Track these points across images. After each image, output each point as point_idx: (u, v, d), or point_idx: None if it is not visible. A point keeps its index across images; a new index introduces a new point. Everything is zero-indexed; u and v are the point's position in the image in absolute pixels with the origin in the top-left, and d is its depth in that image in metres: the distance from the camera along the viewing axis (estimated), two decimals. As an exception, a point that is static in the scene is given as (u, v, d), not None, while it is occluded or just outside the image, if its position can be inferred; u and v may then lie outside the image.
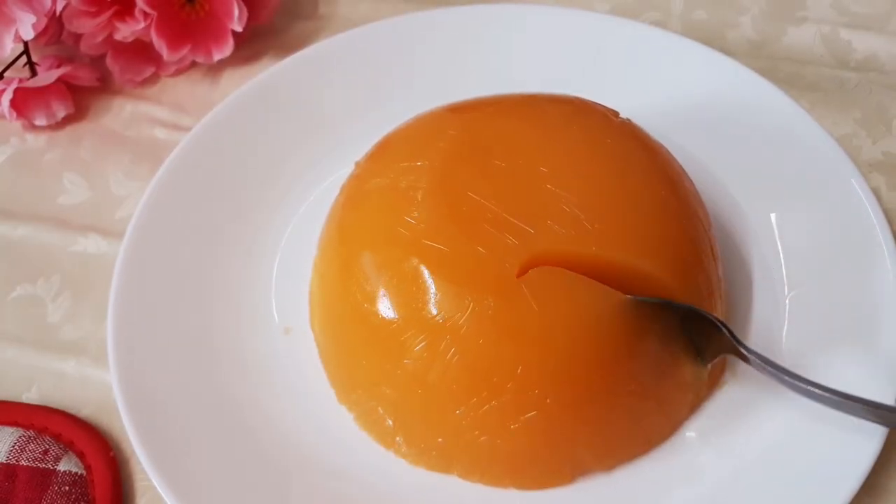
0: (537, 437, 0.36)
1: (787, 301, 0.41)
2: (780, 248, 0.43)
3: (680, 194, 0.39)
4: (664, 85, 0.48)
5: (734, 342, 0.36)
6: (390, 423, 0.38)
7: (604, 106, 0.41)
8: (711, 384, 0.39)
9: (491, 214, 0.36)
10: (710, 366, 0.38)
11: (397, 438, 0.38)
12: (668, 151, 0.41)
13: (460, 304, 0.34)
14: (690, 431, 0.38)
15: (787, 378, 0.35)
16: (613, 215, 0.36)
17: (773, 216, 0.44)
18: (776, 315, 0.41)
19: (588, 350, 0.35)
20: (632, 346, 0.35)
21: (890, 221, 0.42)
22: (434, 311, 0.35)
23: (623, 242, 0.36)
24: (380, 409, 0.38)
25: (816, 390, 0.34)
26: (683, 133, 0.46)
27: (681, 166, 0.41)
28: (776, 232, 0.43)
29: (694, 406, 0.39)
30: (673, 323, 0.36)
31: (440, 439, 0.37)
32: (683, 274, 0.37)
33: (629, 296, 0.35)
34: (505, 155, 0.38)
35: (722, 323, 0.36)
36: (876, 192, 0.44)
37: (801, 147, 0.45)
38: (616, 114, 0.41)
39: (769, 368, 0.35)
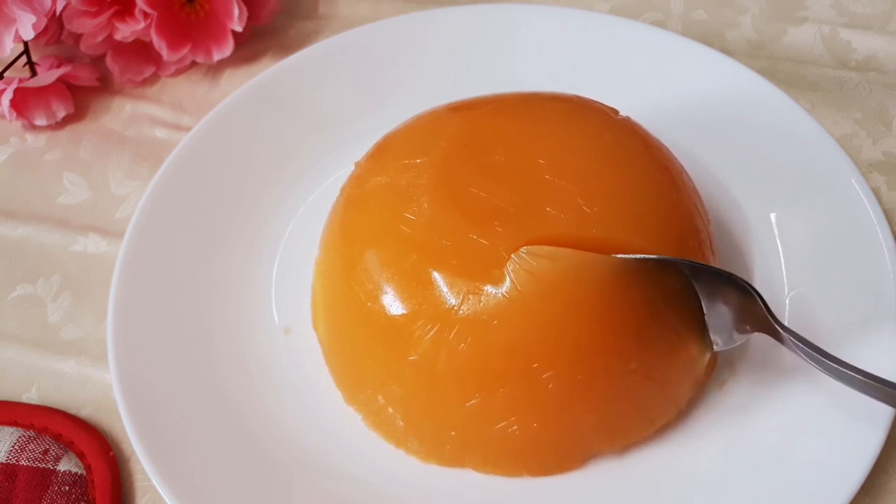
0: (547, 420, 0.36)
1: (787, 301, 0.41)
2: (780, 248, 0.43)
3: (679, 186, 0.39)
4: (664, 85, 0.48)
5: (768, 316, 0.34)
6: (400, 422, 0.38)
7: (603, 104, 0.41)
8: (709, 370, 0.39)
9: (491, 206, 0.36)
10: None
11: (409, 436, 0.38)
12: (667, 148, 0.41)
13: (462, 296, 0.34)
14: (693, 427, 0.38)
15: (822, 359, 0.33)
16: (613, 199, 0.36)
17: (773, 216, 0.44)
18: (776, 315, 0.41)
19: (587, 326, 0.35)
20: (631, 320, 0.35)
21: (890, 221, 0.42)
22: (437, 305, 0.35)
23: (623, 224, 0.36)
24: (389, 408, 0.38)
25: (852, 373, 0.32)
26: (683, 133, 0.46)
27: (680, 164, 0.41)
28: (776, 232, 0.43)
29: (696, 387, 0.39)
30: (678, 294, 0.36)
31: (453, 433, 0.37)
32: (686, 254, 0.37)
33: (634, 256, 0.34)
34: (504, 150, 0.38)
35: (756, 292, 0.34)
36: (876, 192, 0.44)
37: (801, 147, 0.45)
38: (616, 112, 0.41)
39: (803, 347, 0.34)
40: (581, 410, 0.36)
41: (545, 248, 0.34)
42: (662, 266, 0.35)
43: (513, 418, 0.35)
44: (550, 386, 0.35)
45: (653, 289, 0.36)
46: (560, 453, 0.37)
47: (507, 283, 0.34)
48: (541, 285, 0.34)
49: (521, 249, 0.34)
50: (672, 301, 0.36)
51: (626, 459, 0.38)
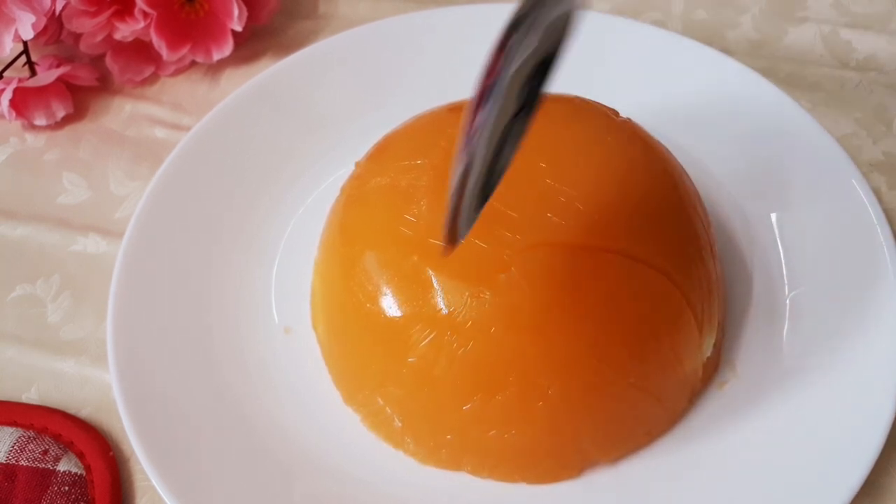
0: (544, 428, 0.36)
1: (787, 301, 0.41)
2: (780, 248, 0.43)
3: (679, 191, 0.39)
4: (664, 85, 0.48)
5: None
6: (398, 423, 0.38)
7: (604, 105, 0.41)
8: (706, 378, 0.39)
9: (490, 210, 0.35)
10: (706, 357, 0.38)
11: (406, 438, 0.38)
12: (667, 150, 0.41)
13: (461, 300, 0.34)
14: (692, 429, 0.38)
15: None
16: (613, 207, 0.36)
17: (773, 216, 0.44)
18: (776, 315, 0.41)
19: (588, 336, 0.35)
20: (630, 333, 0.35)
21: (890, 221, 0.42)
22: (436, 308, 0.35)
23: (623, 233, 0.36)
24: (387, 409, 0.38)
25: None
26: (683, 133, 0.46)
27: (680, 165, 0.41)
28: (776, 232, 0.43)
29: (693, 398, 0.39)
30: (675, 314, 0.36)
31: (449, 436, 0.37)
32: (684, 268, 0.37)
33: None
34: (504, 152, 0.38)
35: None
36: (876, 192, 0.44)
37: (801, 147, 0.45)
38: (616, 113, 0.41)
39: None
40: (579, 420, 0.36)
41: (546, 254, 0.34)
42: (663, 285, 0.36)
43: (510, 425, 0.35)
44: (549, 393, 0.34)
45: (652, 305, 0.36)
46: (557, 461, 0.37)
47: (508, 288, 0.34)
48: (541, 292, 0.34)
49: (523, 255, 0.34)
50: (669, 320, 0.36)
51: (625, 467, 0.38)
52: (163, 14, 0.50)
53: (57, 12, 0.49)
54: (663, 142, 0.41)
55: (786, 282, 0.42)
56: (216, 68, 0.54)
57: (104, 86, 0.54)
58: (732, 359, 0.40)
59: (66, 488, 0.38)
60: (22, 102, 0.50)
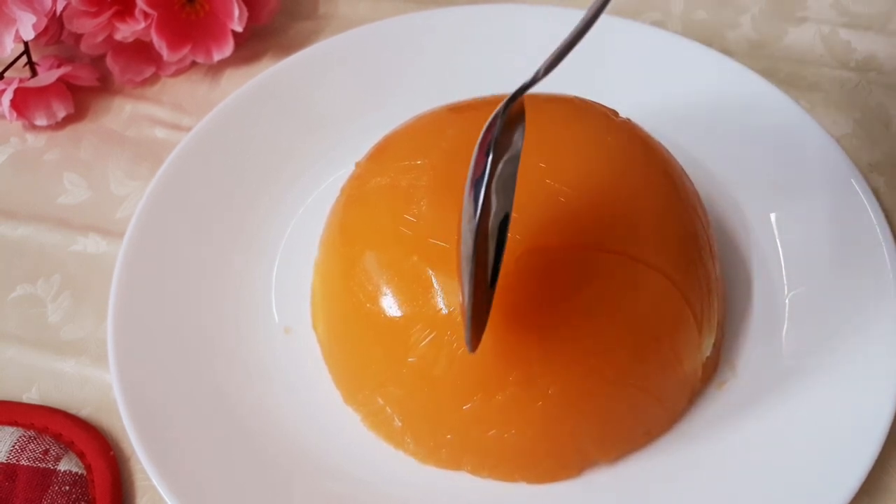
0: (544, 428, 0.36)
1: (787, 301, 0.41)
2: (780, 248, 0.43)
3: (679, 192, 0.39)
4: (664, 85, 0.48)
5: None
6: (398, 422, 0.38)
7: (603, 105, 0.41)
8: (706, 378, 0.39)
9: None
10: (706, 357, 0.38)
11: (406, 437, 0.38)
12: (667, 151, 0.41)
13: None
14: (691, 428, 0.38)
15: None
16: (613, 208, 0.36)
17: (773, 216, 0.44)
18: (776, 315, 0.41)
19: (588, 336, 0.35)
20: (630, 334, 0.35)
21: (890, 221, 0.42)
22: (436, 308, 0.35)
23: (623, 235, 0.36)
24: (388, 408, 0.38)
25: None
26: (683, 133, 0.46)
27: (680, 166, 0.41)
28: (776, 232, 0.43)
29: (693, 398, 0.39)
30: (675, 315, 0.36)
31: (449, 436, 0.37)
32: (684, 268, 0.37)
33: None
34: (504, 153, 0.38)
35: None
36: (876, 192, 0.44)
37: (801, 147, 0.45)
38: (616, 113, 0.41)
39: None
40: (579, 420, 0.36)
41: (546, 254, 0.34)
42: (662, 285, 0.36)
43: (510, 425, 0.35)
44: (549, 393, 0.34)
45: (652, 305, 0.36)
46: (557, 461, 0.37)
47: (508, 288, 0.34)
48: (541, 292, 0.34)
49: (523, 256, 0.34)
50: (669, 320, 0.36)
51: (624, 467, 0.38)
52: (163, 14, 0.50)
53: (58, 13, 0.49)
54: (663, 142, 0.41)
55: (785, 282, 0.42)
56: (217, 69, 0.54)
57: (105, 86, 0.54)
58: (732, 359, 0.40)
59: (67, 488, 0.38)
60: (23, 103, 0.50)
